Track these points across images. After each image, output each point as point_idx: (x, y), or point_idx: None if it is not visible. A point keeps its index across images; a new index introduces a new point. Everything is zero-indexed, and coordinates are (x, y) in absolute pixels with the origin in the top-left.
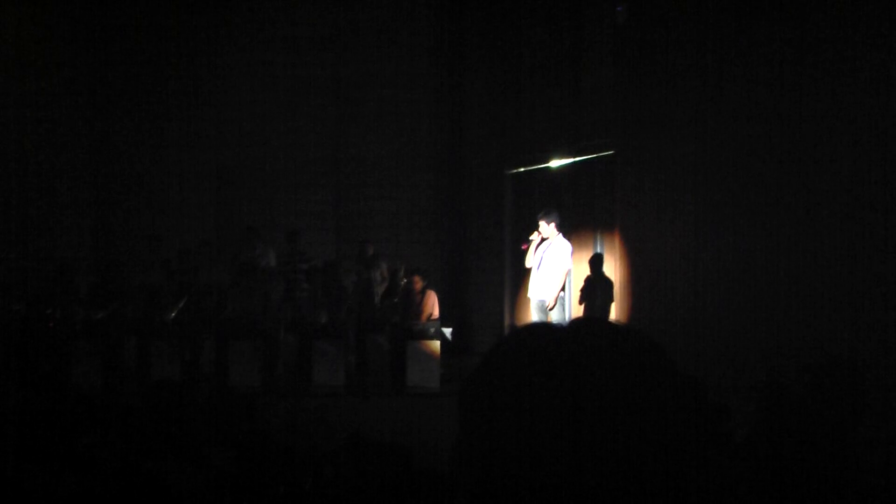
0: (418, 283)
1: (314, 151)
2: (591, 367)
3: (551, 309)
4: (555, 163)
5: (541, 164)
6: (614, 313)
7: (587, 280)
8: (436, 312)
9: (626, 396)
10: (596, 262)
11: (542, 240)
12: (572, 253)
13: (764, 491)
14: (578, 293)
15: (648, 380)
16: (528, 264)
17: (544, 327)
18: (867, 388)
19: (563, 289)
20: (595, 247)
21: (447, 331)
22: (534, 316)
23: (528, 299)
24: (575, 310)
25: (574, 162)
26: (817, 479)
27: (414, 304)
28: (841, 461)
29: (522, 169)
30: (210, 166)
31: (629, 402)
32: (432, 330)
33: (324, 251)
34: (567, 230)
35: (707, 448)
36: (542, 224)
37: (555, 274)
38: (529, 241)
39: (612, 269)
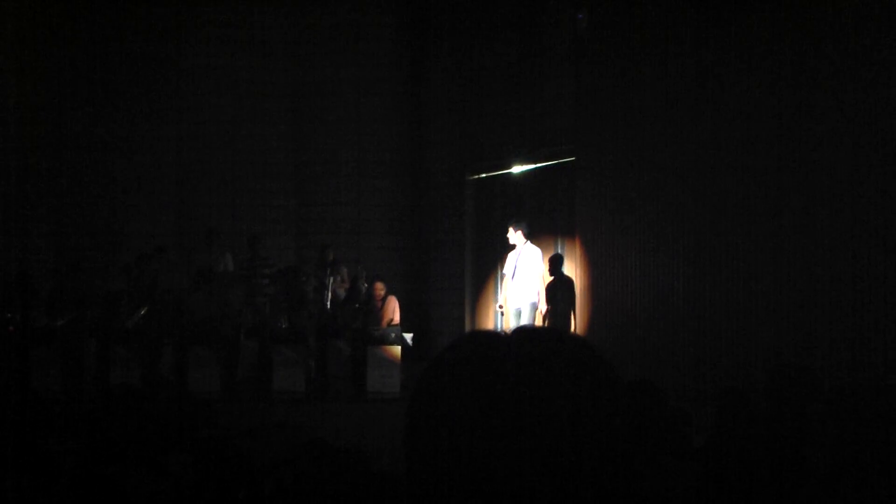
0: (380, 290)
1: (276, 156)
2: (530, 374)
3: (545, 315)
4: (516, 169)
5: (502, 170)
6: (576, 316)
7: (549, 283)
8: (396, 318)
9: (564, 403)
10: (555, 262)
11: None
12: (542, 257)
13: (721, 496)
14: (545, 295)
15: (588, 387)
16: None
17: (488, 335)
18: (819, 391)
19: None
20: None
21: (408, 336)
22: (512, 324)
23: (497, 307)
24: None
25: (535, 168)
26: (772, 483)
27: (375, 310)
28: (792, 464)
29: (484, 175)
30: (171, 170)
31: (568, 409)
32: (393, 335)
33: (285, 256)
34: (528, 236)
35: (663, 452)
36: (512, 231)
37: (531, 279)
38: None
39: (573, 274)
